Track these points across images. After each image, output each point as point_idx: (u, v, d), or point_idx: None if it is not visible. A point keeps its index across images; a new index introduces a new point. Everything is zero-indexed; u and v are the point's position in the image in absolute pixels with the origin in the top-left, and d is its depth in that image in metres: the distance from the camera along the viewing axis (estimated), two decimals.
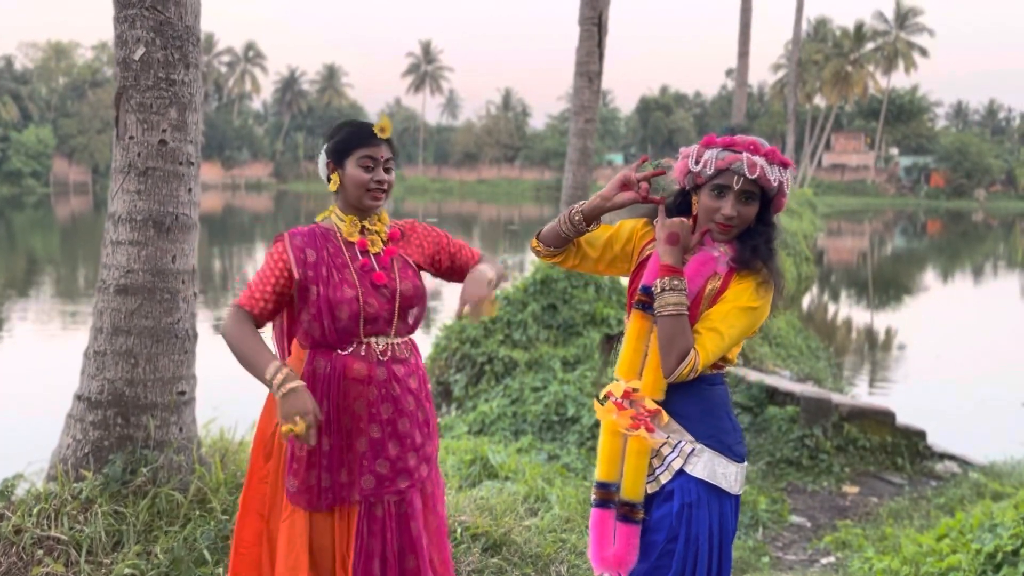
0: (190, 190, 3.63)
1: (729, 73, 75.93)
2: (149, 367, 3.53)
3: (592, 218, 2.34)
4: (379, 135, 2.46)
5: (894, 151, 71.33)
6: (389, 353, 2.49)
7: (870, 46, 61.70)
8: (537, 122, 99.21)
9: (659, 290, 2.18)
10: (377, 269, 2.49)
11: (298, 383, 2.26)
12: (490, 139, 79.52)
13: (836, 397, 8.11)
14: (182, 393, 3.64)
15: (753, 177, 2.15)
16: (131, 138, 3.51)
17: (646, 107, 78.92)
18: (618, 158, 77.42)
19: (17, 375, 10.43)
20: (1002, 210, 58.34)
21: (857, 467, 7.29)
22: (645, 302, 2.24)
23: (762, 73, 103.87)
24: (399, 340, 2.53)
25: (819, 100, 62.93)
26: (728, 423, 2.27)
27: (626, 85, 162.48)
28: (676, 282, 2.16)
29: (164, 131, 3.51)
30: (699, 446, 2.22)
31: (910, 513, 5.88)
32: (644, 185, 2.28)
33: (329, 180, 2.50)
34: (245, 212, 49.36)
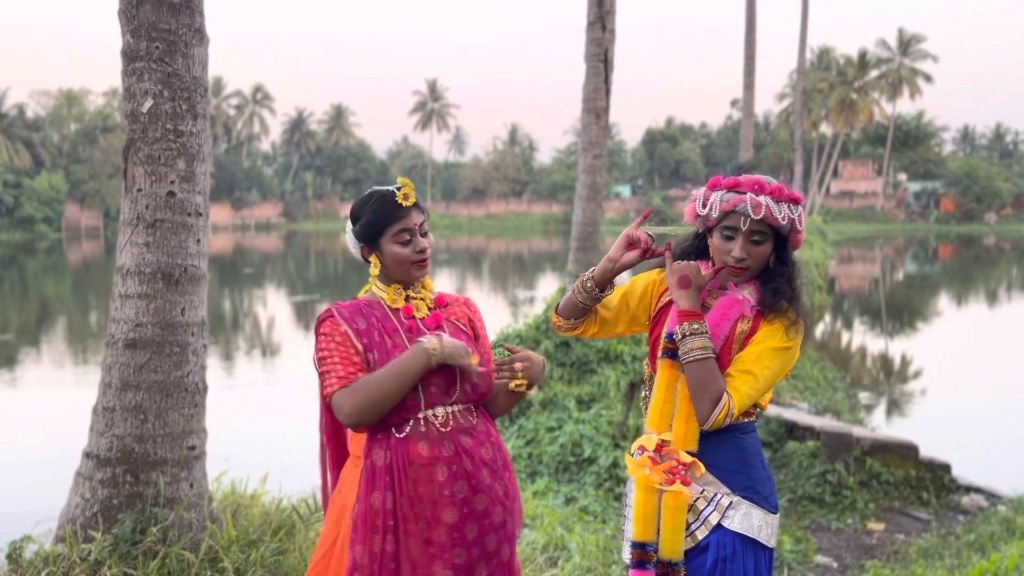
0: (199, 241, 3.59)
1: (734, 103, 76.30)
2: (159, 422, 3.47)
3: (605, 282, 2.30)
4: (404, 204, 2.30)
5: (902, 177, 71.14)
6: (451, 423, 2.26)
7: (874, 73, 61.93)
8: (544, 156, 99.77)
9: (680, 336, 2.13)
10: (426, 332, 2.32)
11: (433, 340, 2.20)
12: (497, 174, 79.83)
13: (857, 431, 7.98)
14: (192, 448, 3.57)
15: (758, 217, 2.12)
16: (139, 190, 3.48)
17: (652, 139, 79.19)
18: (625, 190, 77.59)
19: (28, 429, 10.23)
20: (1014, 233, 57.99)
21: (881, 503, 7.14)
22: (671, 349, 2.18)
23: (767, 102, 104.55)
24: (460, 407, 2.30)
25: (825, 128, 63.09)
26: (763, 472, 2.21)
27: (632, 117, 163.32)
28: (696, 326, 2.12)
29: (172, 182, 3.49)
30: (736, 498, 2.15)
31: (940, 552, 5.72)
32: (642, 236, 2.25)
33: (368, 262, 2.35)
34: (255, 252, 49.53)
